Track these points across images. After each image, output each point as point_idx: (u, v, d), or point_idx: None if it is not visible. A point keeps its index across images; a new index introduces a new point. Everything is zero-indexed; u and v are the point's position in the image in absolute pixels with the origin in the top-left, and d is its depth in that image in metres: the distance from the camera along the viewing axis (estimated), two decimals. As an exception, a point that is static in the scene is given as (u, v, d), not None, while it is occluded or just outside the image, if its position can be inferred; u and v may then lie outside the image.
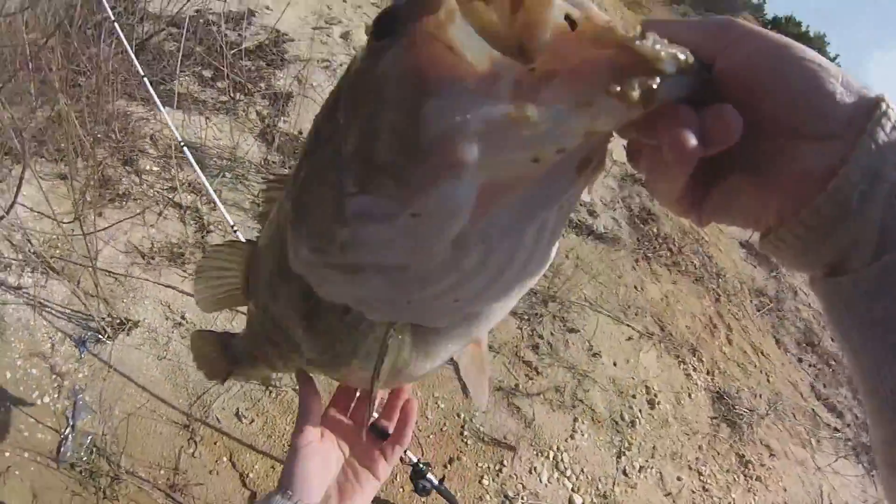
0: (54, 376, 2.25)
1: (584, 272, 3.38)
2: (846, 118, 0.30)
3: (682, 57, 0.30)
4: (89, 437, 1.99)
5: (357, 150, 0.36)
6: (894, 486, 0.33)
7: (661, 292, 3.62)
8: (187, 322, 2.47)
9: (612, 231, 3.91)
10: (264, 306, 0.65)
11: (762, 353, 3.67)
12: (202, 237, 2.81)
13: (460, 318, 0.45)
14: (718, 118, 0.30)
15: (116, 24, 2.37)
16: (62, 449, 1.91)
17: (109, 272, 2.54)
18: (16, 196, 2.21)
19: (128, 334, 2.36)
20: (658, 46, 0.29)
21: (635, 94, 0.29)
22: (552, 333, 2.98)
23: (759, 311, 4.00)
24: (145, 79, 2.22)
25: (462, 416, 2.46)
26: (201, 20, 3.77)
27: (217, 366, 0.94)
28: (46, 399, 2.18)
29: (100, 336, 2.32)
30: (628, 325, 3.22)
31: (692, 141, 0.30)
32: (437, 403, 2.47)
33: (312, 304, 0.51)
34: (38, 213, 2.46)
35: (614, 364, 2.97)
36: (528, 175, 0.34)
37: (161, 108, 2.17)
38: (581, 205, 4.03)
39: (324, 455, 0.66)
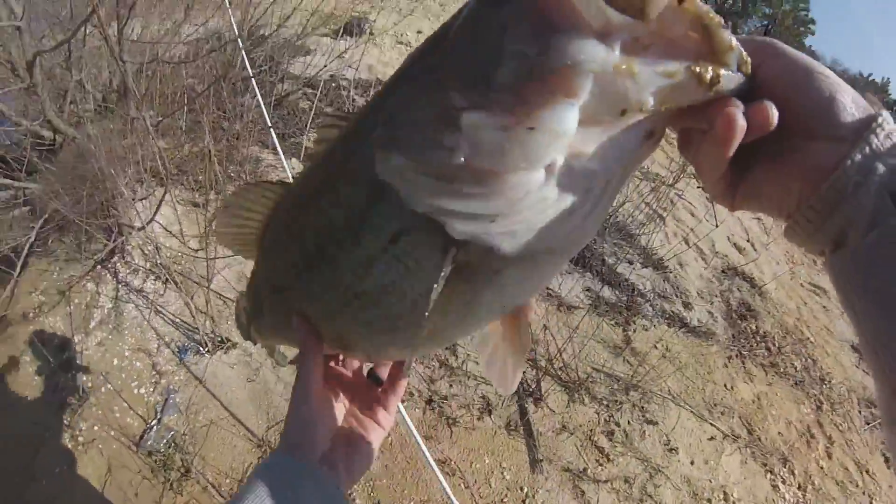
0: (154, 373, 2.52)
1: (670, 364, 3.24)
2: (854, 127, 0.38)
3: (745, 56, 0.40)
4: (171, 433, 2.17)
5: (473, 73, 0.42)
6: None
7: (753, 393, 3.37)
8: (280, 353, 2.61)
9: (705, 325, 3.73)
10: (286, 242, 0.64)
11: (867, 471, 3.25)
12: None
13: (524, 255, 0.47)
14: (760, 108, 0.39)
15: (253, 81, 2.74)
16: (145, 437, 2.10)
17: (220, 295, 2.81)
18: (154, 213, 2.54)
19: (225, 353, 2.59)
20: (732, 38, 0.39)
21: (708, 76, 0.38)
22: (629, 422, 2.87)
23: (868, 424, 3.57)
24: (271, 129, 2.52)
25: (525, 489, 2.40)
26: (333, 84, 4.21)
27: (242, 323, 0.93)
28: (143, 390, 2.43)
29: (200, 348, 2.56)
30: (712, 425, 3.01)
31: (741, 119, 0.38)
32: (502, 474, 2.43)
33: (354, 226, 0.52)
34: (170, 231, 2.79)
35: (691, 463, 2.78)
36: (611, 126, 0.41)
37: (281, 152, 2.44)
38: (675, 296, 3.90)
39: (329, 404, 0.65)
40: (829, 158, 0.39)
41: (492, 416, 2.65)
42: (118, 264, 2.90)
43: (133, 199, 2.66)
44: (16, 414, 2.08)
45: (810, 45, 26.54)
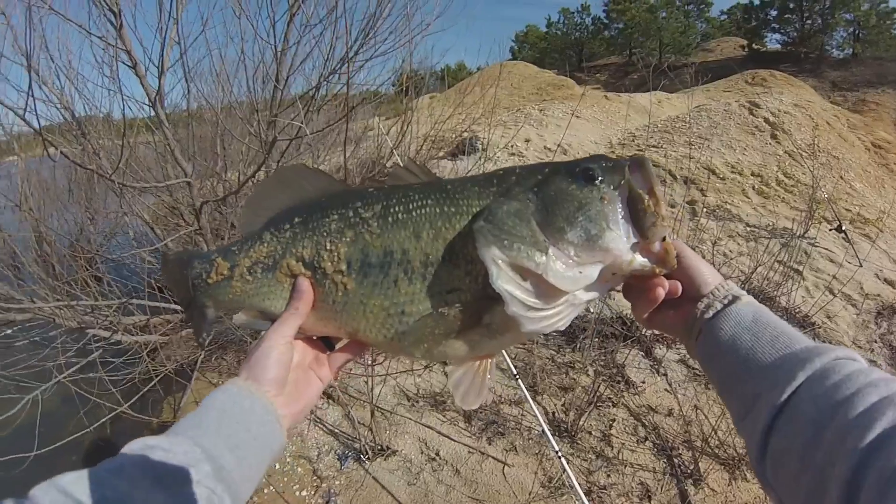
0: (314, 477, 2.72)
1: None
2: (709, 294, 0.70)
3: (674, 264, 0.68)
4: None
5: (557, 224, 0.68)
6: (741, 429, 0.63)
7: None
8: (440, 458, 2.75)
9: (869, 377, 3.40)
10: (342, 237, 0.77)
11: None
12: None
13: (529, 333, 0.70)
14: (675, 284, 0.70)
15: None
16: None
17: (378, 408, 2.99)
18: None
19: (385, 459, 2.72)
20: (673, 258, 0.68)
21: (659, 270, 0.68)
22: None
23: None
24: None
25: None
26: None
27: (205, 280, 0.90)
28: (304, 493, 2.65)
29: (361, 456, 2.70)
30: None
31: (663, 292, 0.70)
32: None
33: (426, 271, 0.73)
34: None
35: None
36: (603, 279, 0.68)
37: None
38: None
39: (288, 350, 0.75)
40: (698, 306, 0.70)
41: (651, 502, 2.55)
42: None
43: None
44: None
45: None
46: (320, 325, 0.80)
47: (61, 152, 2.65)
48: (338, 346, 0.84)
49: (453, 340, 0.73)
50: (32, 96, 2.41)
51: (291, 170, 0.86)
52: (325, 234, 0.78)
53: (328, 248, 0.77)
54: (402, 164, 0.82)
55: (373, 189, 0.80)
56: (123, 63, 2.92)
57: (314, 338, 0.83)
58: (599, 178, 0.69)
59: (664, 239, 0.68)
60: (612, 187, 0.69)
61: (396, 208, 0.76)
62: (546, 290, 0.67)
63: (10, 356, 3.48)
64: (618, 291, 0.76)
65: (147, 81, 2.95)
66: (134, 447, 0.58)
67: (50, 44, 3.03)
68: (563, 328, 0.71)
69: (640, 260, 0.68)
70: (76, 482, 0.50)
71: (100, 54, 3.25)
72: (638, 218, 0.68)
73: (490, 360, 0.80)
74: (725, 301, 0.69)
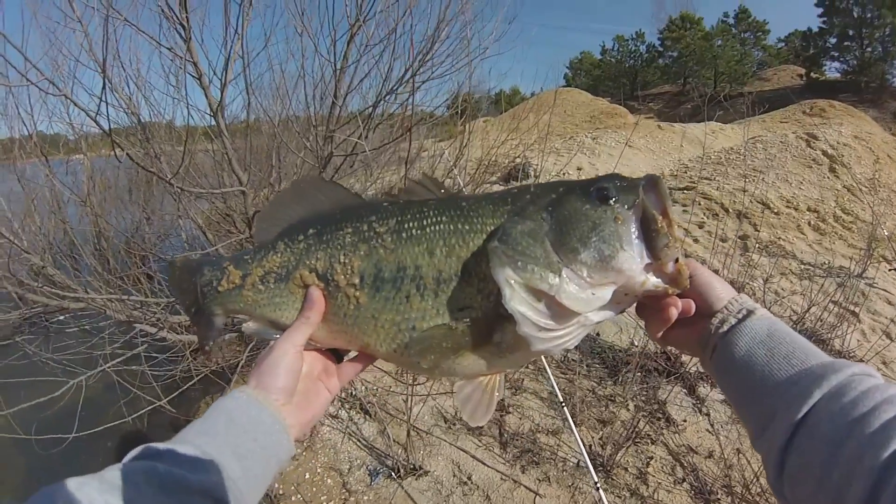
0: (344, 490, 2.73)
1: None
2: (721, 311, 0.70)
3: (686, 285, 0.69)
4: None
5: (571, 244, 0.68)
6: (758, 447, 0.63)
7: None
8: (472, 483, 2.73)
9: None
10: (356, 250, 0.77)
11: None
12: (500, 416, 3.18)
13: (538, 351, 0.71)
14: (688, 303, 0.70)
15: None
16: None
17: (415, 427, 3.00)
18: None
19: (416, 479, 2.72)
20: (687, 279, 0.69)
21: (672, 290, 0.68)
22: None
23: None
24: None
25: None
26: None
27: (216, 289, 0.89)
28: None
29: (392, 473, 2.71)
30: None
31: (676, 312, 0.69)
32: None
33: (438, 288, 0.73)
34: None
35: None
36: (616, 300, 0.69)
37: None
38: None
39: (298, 360, 0.75)
40: (711, 322, 0.70)
41: (684, 549, 2.47)
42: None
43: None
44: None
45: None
46: (331, 337, 0.80)
47: (127, 154, 2.77)
48: (347, 357, 0.84)
49: (462, 357, 0.74)
50: (106, 101, 2.53)
51: (308, 181, 0.87)
52: (339, 246, 0.79)
53: (342, 260, 0.78)
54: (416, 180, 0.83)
55: (387, 203, 0.80)
56: (189, 74, 3.06)
57: (323, 348, 0.83)
58: (614, 198, 0.69)
59: (677, 260, 0.68)
60: (626, 207, 0.69)
61: (411, 224, 0.77)
62: (559, 312, 0.67)
63: (61, 341, 3.67)
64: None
65: (210, 92, 3.07)
66: (139, 453, 0.59)
67: (122, 53, 3.18)
68: (571, 347, 0.74)
69: (653, 280, 0.68)
70: (81, 487, 0.51)
71: (167, 64, 3.43)
72: (651, 239, 0.68)
73: (499, 377, 0.81)
74: (740, 316, 0.69)
